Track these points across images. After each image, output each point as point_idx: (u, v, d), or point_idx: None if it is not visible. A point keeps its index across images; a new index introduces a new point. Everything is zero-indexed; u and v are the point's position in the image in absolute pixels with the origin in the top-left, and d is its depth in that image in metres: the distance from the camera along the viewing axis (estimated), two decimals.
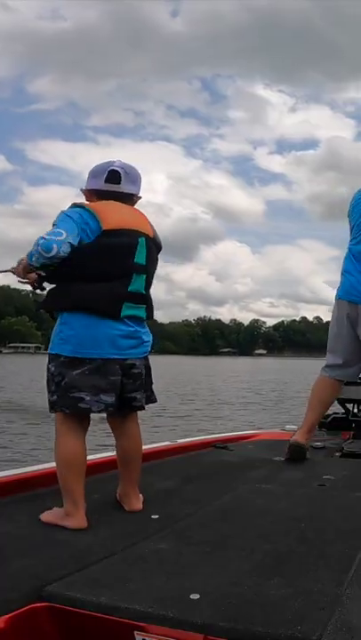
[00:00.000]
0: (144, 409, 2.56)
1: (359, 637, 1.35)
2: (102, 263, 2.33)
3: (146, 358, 2.53)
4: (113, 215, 2.40)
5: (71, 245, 2.27)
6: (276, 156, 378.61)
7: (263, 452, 3.84)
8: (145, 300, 2.46)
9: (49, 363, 2.38)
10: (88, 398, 2.29)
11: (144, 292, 2.45)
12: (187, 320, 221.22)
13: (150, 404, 2.59)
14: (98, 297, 2.31)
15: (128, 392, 2.42)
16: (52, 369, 2.36)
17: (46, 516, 2.30)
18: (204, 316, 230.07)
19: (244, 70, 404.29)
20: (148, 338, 2.51)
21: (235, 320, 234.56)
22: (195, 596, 1.57)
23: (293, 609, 1.50)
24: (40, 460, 3.81)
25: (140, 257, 2.42)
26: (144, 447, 3.69)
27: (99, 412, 2.33)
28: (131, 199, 2.55)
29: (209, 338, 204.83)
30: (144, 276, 2.44)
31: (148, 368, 2.55)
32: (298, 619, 1.44)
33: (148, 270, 2.47)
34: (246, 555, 1.92)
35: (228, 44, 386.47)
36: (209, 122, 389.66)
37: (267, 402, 18.68)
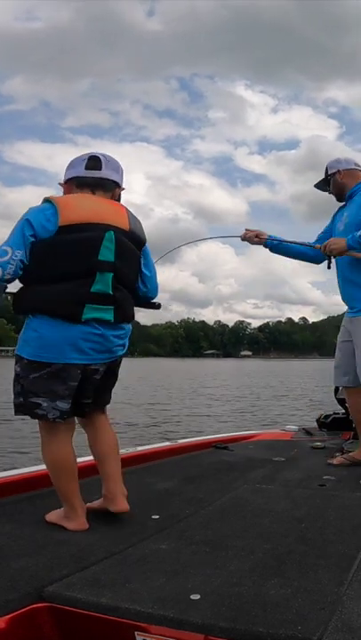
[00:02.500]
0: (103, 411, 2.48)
1: (360, 637, 1.35)
2: (60, 262, 2.18)
3: (116, 362, 2.41)
4: (75, 209, 2.24)
5: (22, 261, 2.15)
6: (256, 156, 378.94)
7: (263, 453, 3.85)
8: (113, 300, 2.27)
9: (15, 363, 2.29)
10: (45, 404, 2.19)
11: (111, 292, 2.25)
12: (170, 322, 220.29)
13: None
14: (56, 299, 2.17)
15: (84, 397, 2.31)
16: (18, 370, 2.26)
17: (50, 516, 2.29)
18: (188, 318, 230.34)
19: (223, 70, 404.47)
20: (121, 341, 2.35)
21: (219, 322, 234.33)
22: (195, 597, 1.57)
23: (294, 609, 1.50)
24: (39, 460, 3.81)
25: (107, 253, 2.24)
26: (145, 448, 3.72)
27: (54, 419, 2.21)
28: (113, 188, 2.39)
29: (193, 339, 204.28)
30: (111, 275, 2.25)
31: (115, 371, 2.44)
32: (298, 619, 1.44)
33: (118, 268, 2.27)
34: (246, 555, 1.92)
35: (207, 43, 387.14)
36: (189, 122, 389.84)
37: (259, 402, 18.63)
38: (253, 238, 3.58)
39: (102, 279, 2.22)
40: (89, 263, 2.20)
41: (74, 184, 2.36)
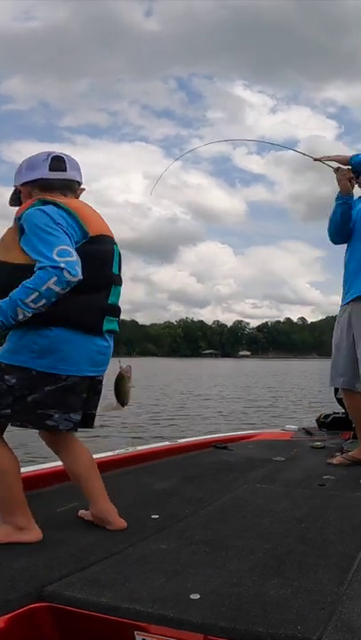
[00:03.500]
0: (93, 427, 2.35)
1: (360, 637, 1.34)
2: (88, 273, 2.04)
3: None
4: (93, 218, 2.17)
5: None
6: (255, 156, 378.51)
7: (263, 452, 3.85)
8: (119, 312, 2.27)
9: (6, 374, 2.07)
10: (57, 416, 2.10)
11: (118, 304, 2.25)
12: (168, 322, 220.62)
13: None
14: (83, 310, 2.09)
15: (90, 409, 2.25)
16: (13, 381, 2.05)
17: None
18: (186, 318, 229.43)
19: (222, 70, 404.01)
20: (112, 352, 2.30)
21: (217, 321, 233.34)
22: (195, 596, 1.57)
23: (294, 609, 1.50)
24: (39, 459, 3.81)
25: (116, 266, 2.23)
26: (145, 447, 3.73)
27: (66, 430, 2.15)
28: (77, 189, 2.29)
29: (191, 339, 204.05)
30: (119, 288, 2.25)
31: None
32: (298, 619, 1.44)
33: (121, 280, 2.28)
34: (246, 555, 1.92)
35: (205, 43, 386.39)
36: (188, 122, 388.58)
37: (260, 403, 18.63)
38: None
39: (115, 292, 2.22)
40: (108, 276, 2.19)
41: (37, 187, 2.21)
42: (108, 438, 9.12)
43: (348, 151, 3.48)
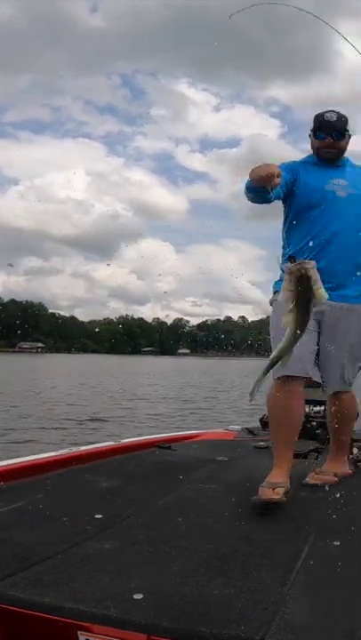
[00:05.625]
0: None
1: (303, 637, 1.37)
2: None
3: None
4: None
5: None
6: (197, 154, 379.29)
7: (207, 452, 3.87)
8: None
9: None
10: None
11: None
12: (108, 318, 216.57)
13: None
14: None
15: None
16: None
17: None
18: (126, 315, 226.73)
19: (166, 67, 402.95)
20: None
21: (157, 319, 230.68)
22: (138, 596, 1.57)
23: (237, 609, 1.51)
24: None
25: None
26: (88, 447, 3.70)
27: None
28: None
29: (131, 336, 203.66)
30: None
31: None
32: (241, 619, 1.45)
33: None
34: (190, 555, 1.93)
35: (149, 40, 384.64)
36: (131, 119, 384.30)
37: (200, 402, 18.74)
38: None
39: None
40: None
41: None
42: (50, 437, 9.06)
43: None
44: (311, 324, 2.62)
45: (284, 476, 2.73)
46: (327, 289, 2.16)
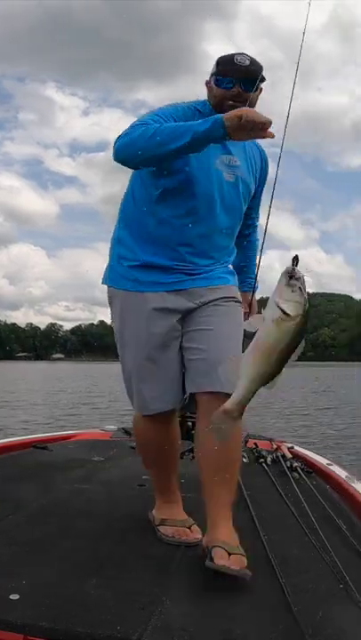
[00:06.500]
0: None
1: (178, 637, 1.41)
2: None
3: None
4: None
5: None
6: (66, 158, 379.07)
7: (83, 452, 3.86)
8: None
9: None
10: None
11: None
12: None
13: None
14: None
15: None
16: None
17: None
18: None
19: (34, 71, 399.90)
20: None
21: (31, 324, 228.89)
22: (14, 597, 1.56)
23: (113, 609, 1.53)
24: None
25: None
26: None
27: None
28: None
29: (3, 342, 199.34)
30: None
31: None
32: (118, 619, 1.48)
33: None
34: (67, 555, 1.92)
35: (16, 44, 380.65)
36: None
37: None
38: None
39: None
40: None
41: None
42: None
43: None
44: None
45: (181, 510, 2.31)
46: None
